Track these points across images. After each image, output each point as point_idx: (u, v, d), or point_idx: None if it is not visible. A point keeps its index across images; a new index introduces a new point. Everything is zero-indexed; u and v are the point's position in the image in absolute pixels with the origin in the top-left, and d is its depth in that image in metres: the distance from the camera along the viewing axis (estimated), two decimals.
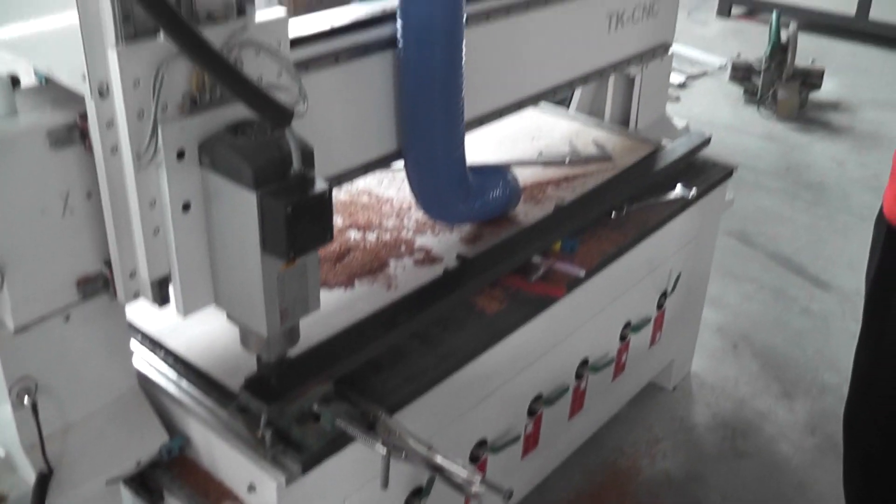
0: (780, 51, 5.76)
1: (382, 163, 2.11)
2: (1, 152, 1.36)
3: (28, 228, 1.44)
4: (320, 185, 1.41)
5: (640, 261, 2.57)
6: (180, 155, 1.40)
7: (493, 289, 2.18)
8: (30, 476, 1.58)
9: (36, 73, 1.53)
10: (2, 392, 1.54)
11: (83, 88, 1.35)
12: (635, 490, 2.83)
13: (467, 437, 2.16)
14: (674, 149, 2.88)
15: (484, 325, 2.08)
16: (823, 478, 2.89)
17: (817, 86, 5.88)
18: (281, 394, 1.66)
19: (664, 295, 2.82)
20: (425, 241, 2.34)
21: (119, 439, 1.70)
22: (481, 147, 2.84)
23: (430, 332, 2.02)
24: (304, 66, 1.78)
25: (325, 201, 1.41)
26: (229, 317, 1.58)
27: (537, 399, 2.35)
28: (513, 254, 2.25)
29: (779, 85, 5.79)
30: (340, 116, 1.94)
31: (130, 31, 1.32)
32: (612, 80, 3.08)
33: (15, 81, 1.48)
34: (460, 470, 1.66)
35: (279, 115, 1.35)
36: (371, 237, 2.35)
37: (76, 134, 1.42)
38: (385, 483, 1.71)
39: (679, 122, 3.18)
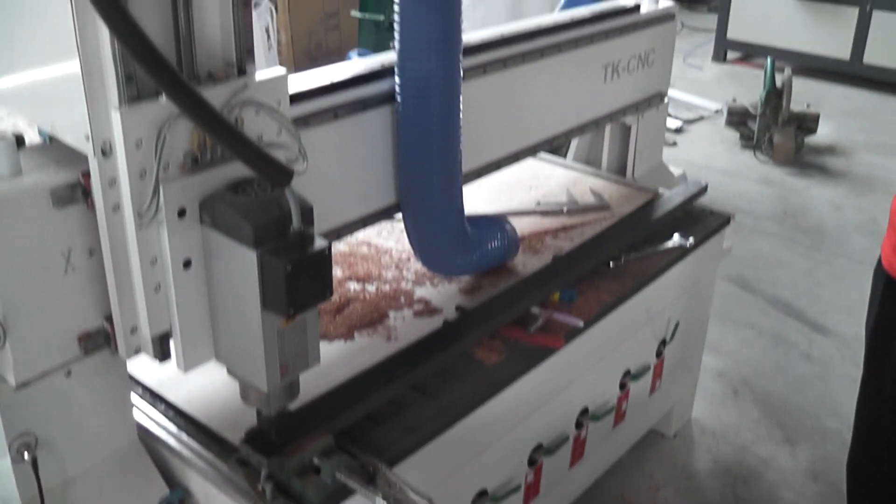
0: (775, 95, 5.81)
1: (381, 216, 2.13)
2: (5, 212, 1.39)
3: (30, 286, 1.45)
4: (320, 243, 1.42)
5: (638, 310, 2.57)
6: (181, 213, 1.42)
7: (492, 340, 2.19)
8: None
9: (40, 132, 1.55)
10: (2, 447, 1.54)
11: (86, 148, 1.37)
12: None
13: (468, 489, 2.15)
14: (670, 197, 2.90)
15: (483, 377, 2.08)
16: None
17: (813, 130, 5.92)
18: (281, 447, 1.66)
19: (663, 343, 2.82)
20: (425, 292, 2.35)
21: (119, 493, 1.70)
22: (479, 196, 2.87)
23: (429, 383, 2.03)
24: (304, 121, 1.81)
25: (324, 259, 1.43)
26: (230, 372, 1.59)
27: (538, 449, 2.34)
28: (511, 305, 2.26)
29: (775, 129, 5.82)
30: (340, 170, 1.96)
31: (133, 93, 1.34)
32: (608, 129, 3.11)
33: (20, 140, 1.51)
34: None
35: (279, 175, 1.37)
36: (371, 288, 2.36)
37: (79, 192, 1.45)
38: None
39: (676, 170, 3.20)
